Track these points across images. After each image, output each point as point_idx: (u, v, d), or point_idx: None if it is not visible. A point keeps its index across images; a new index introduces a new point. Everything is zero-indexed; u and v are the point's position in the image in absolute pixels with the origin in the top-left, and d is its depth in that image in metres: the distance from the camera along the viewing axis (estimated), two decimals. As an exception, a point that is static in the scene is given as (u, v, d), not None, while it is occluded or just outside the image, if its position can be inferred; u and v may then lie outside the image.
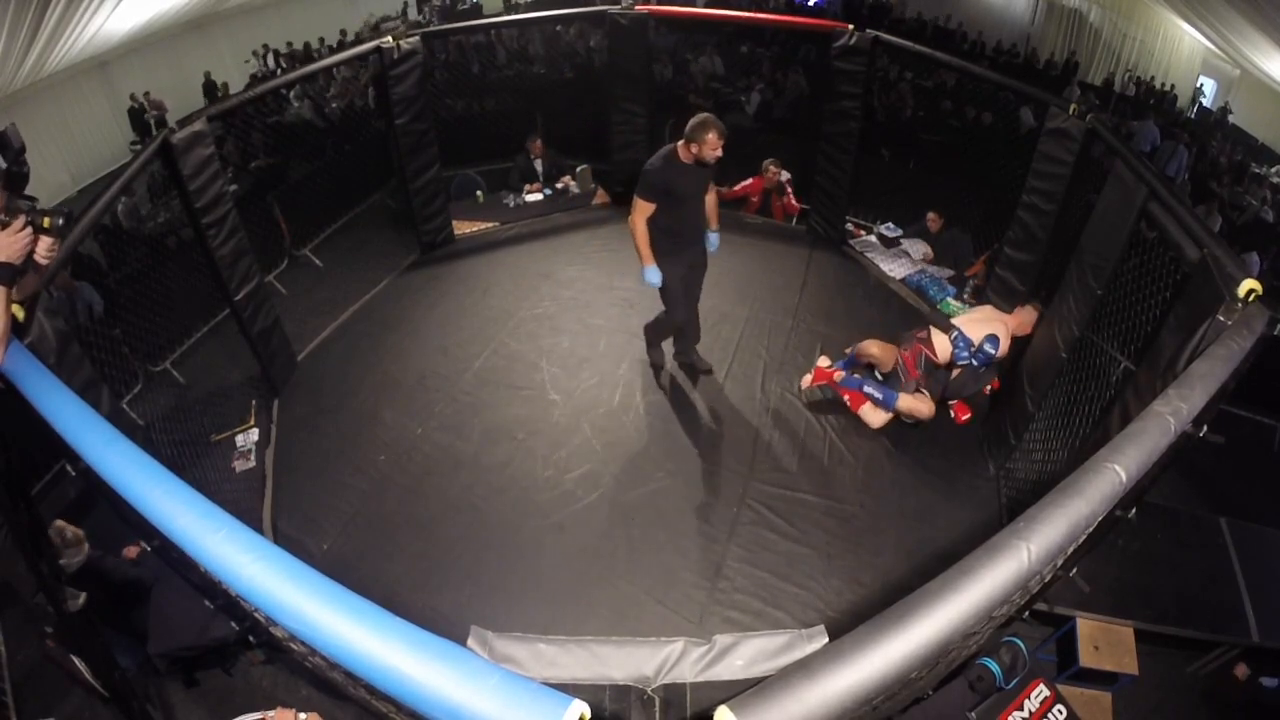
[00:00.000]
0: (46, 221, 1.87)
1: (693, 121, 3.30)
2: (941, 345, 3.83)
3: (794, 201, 6.13)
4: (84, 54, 9.07)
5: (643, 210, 3.49)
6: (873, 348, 3.98)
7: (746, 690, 1.00)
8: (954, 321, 3.87)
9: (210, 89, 10.85)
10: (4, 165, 4.10)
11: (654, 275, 3.64)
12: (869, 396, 3.95)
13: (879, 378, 4.01)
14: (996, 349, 3.75)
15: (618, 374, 4.41)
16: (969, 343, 3.77)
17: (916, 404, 3.83)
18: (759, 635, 3.04)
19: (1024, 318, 3.85)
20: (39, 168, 8.63)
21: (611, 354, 4.57)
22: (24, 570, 2.23)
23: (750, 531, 3.47)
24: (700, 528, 3.49)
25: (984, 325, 3.81)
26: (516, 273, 5.41)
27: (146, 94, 10.25)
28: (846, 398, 4.03)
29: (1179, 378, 1.67)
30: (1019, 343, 3.90)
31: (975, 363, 3.80)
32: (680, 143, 3.38)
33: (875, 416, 3.95)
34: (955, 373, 3.91)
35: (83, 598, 2.23)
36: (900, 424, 4.01)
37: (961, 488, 3.73)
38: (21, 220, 1.83)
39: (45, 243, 1.87)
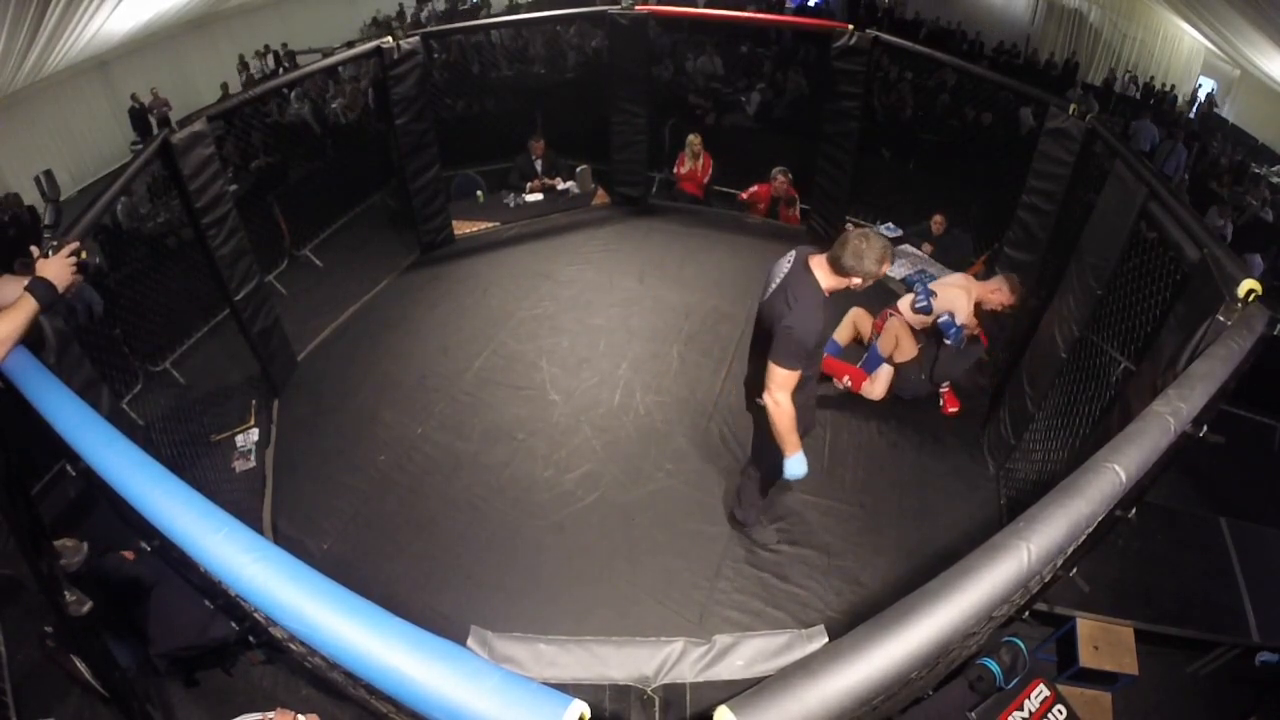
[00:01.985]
0: (84, 254, 1.92)
1: (859, 245, 2.38)
2: (905, 303, 3.97)
3: (797, 215, 6.14)
4: (84, 54, 9.06)
5: (792, 383, 2.53)
6: (856, 314, 4.22)
7: (746, 690, 1.00)
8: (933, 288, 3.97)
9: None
10: (49, 204, 4.24)
11: (802, 466, 2.70)
12: (863, 369, 4.09)
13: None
14: (954, 319, 3.79)
15: (618, 374, 4.41)
16: (928, 292, 3.84)
17: (896, 335, 3.94)
18: (759, 635, 3.05)
19: (995, 285, 3.87)
20: (40, 168, 8.64)
21: (611, 354, 4.57)
22: (24, 571, 2.23)
23: (750, 531, 3.47)
24: (700, 528, 3.49)
25: (948, 289, 3.88)
26: (516, 273, 5.41)
27: (154, 91, 10.26)
28: (846, 378, 4.09)
29: (1179, 378, 1.67)
30: (1006, 329, 4.00)
31: (950, 344, 3.87)
32: (826, 269, 2.47)
33: (876, 386, 4.01)
34: (940, 351, 4.03)
35: (89, 605, 2.23)
36: (900, 423, 4.01)
37: (961, 488, 3.73)
38: (70, 248, 1.88)
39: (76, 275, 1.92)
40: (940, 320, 3.80)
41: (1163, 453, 1.50)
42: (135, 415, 3.74)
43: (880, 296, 5.14)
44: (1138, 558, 3.32)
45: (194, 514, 1.29)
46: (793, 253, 2.61)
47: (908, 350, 3.98)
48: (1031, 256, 3.98)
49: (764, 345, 2.58)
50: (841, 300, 3.05)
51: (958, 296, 3.83)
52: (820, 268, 2.49)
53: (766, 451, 2.90)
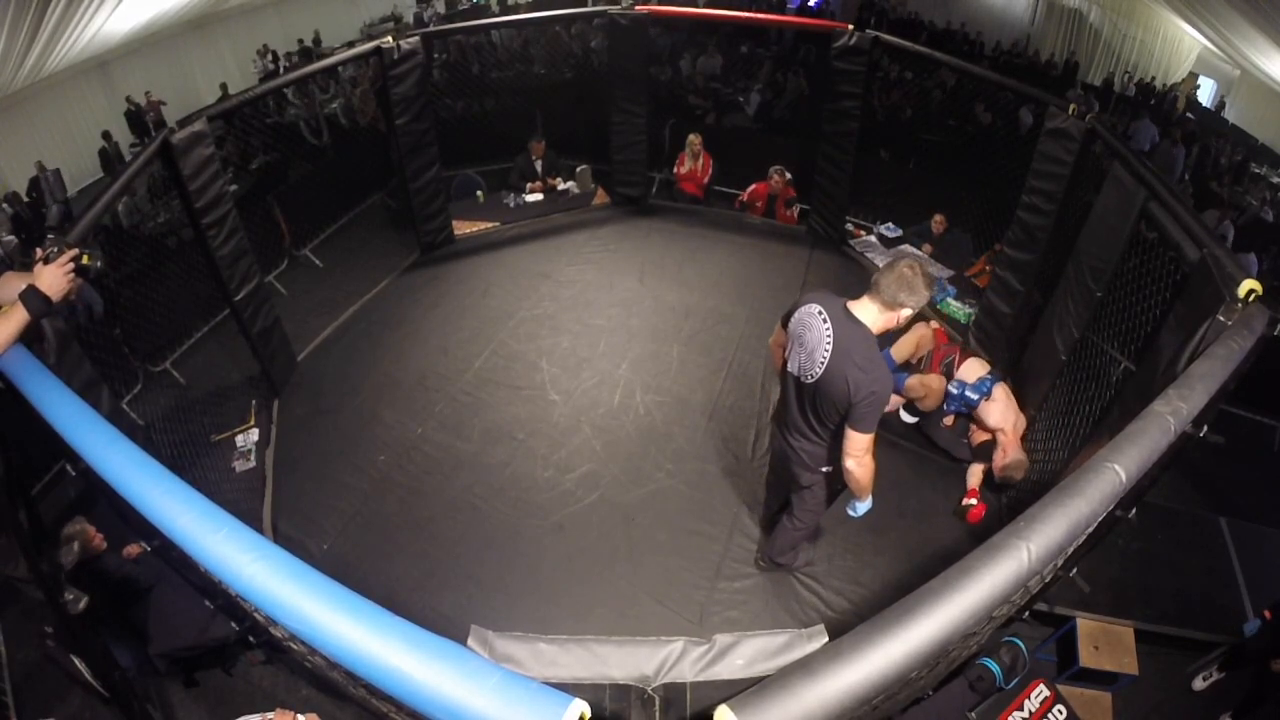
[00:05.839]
0: (86, 259, 1.89)
1: (907, 274, 2.21)
2: (967, 370, 3.75)
3: (795, 216, 6.14)
4: (84, 54, 9.06)
5: (873, 441, 2.40)
6: (922, 334, 3.86)
7: (746, 689, 1.00)
8: (997, 388, 3.66)
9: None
10: (55, 204, 4.22)
11: (869, 505, 2.71)
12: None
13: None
14: (967, 393, 3.63)
15: (618, 374, 4.41)
16: (965, 393, 3.65)
17: (928, 379, 3.77)
18: (759, 635, 3.05)
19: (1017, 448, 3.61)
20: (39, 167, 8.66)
21: (611, 354, 4.57)
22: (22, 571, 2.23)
23: (750, 532, 3.47)
24: (700, 528, 3.49)
25: (1000, 408, 3.64)
26: (516, 273, 5.41)
27: (147, 94, 10.27)
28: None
29: (1179, 378, 1.67)
30: (1006, 329, 3.87)
31: (955, 394, 3.73)
32: (874, 309, 2.28)
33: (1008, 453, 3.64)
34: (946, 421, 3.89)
35: (85, 601, 2.24)
36: (900, 424, 4.01)
37: (962, 488, 3.72)
38: (69, 255, 1.84)
39: (74, 282, 1.89)
40: (954, 384, 3.69)
41: (1163, 453, 1.50)
42: (135, 415, 3.74)
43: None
44: (1138, 558, 3.32)
45: (194, 514, 1.29)
46: (814, 306, 2.36)
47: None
48: (1031, 256, 3.99)
49: (827, 412, 2.42)
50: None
51: (1002, 407, 3.63)
52: (864, 310, 2.29)
53: (809, 503, 2.86)
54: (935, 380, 3.78)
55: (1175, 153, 8.42)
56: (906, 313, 2.27)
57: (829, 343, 2.29)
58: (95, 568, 3.05)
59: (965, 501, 3.60)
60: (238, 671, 3.20)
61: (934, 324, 4.06)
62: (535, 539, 3.46)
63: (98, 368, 2.46)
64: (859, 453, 2.37)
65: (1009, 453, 3.55)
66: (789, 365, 2.50)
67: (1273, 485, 4.20)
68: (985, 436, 3.72)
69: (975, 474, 3.69)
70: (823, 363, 2.31)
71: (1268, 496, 4.03)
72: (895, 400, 3.89)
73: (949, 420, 3.86)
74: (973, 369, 3.77)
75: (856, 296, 2.33)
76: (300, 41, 12.28)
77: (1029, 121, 7.22)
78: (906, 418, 4.02)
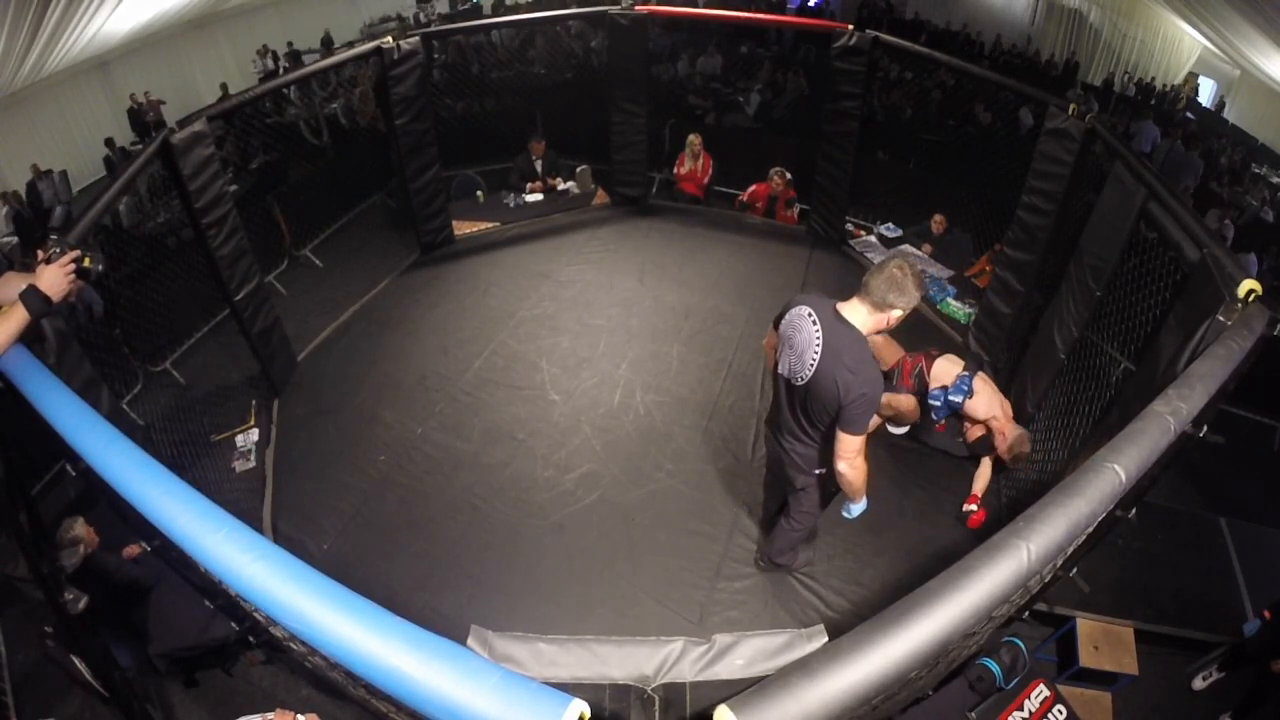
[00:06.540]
0: (88, 261, 1.89)
1: (897, 274, 2.18)
2: (941, 372, 3.68)
3: (795, 216, 6.14)
4: (84, 54, 9.07)
5: (865, 442, 2.42)
6: (877, 338, 3.84)
7: (746, 689, 1.01)
8: (975, 381, 3.57)
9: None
10: (56, 205, 4.21)
11: (864, 505, 2.70)
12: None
13: None
14: (948, 398, 3.56)
15: (618, 374, 4.41)
16: (948, 399, 3.58)
17: (897, 399, 3.75)
18: (759, 635, 3.05)
19: (1014, 429, 3.55)
20: (39, 168, 8.65)
21: (611, 354, 4.57)
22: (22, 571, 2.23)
23: (750, 532, 3.47)
24: (700, 528, 3.49)
25: (986, 399, 3.56)
26: (516, 273, 5.41)
27: (146, 94, 10.29)
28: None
29: (1179, 378, 1.67)
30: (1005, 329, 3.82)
31: (938, 404, 3.65)
32: (863, 311, 2.26)
33: (1007, 439, 3.59)
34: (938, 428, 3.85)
35: (84, 601, 2.23)
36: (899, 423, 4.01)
37: (961, 487, 3.72)
38: (70, 255, 1.84)
39: (75, 283, 1.89)
40: (933, 393, 3.61)
41: (1163, 453, 1.50)
42: (135, 415, 3.74)
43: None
44: (1138, 558, 3.32)
45: (194, 514, 1.29)
46: (804, 308, 2.34)
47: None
48: (1031, 256, 3.99)
49: (817, 415, 2.41)
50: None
51: (987, 398, 3.55)
52: (854, 312, 2.27)
53: (805, 504, 2.86)
54: (906, 401, 3.75)
55: (1192, 157, 8.33)
56: (897, 314, 2.25)
57: (818, 344, 2.28)
58: (96, 568, 3.05)
59: (966, 507, 3.59)
60: (238, 671, 3.20)
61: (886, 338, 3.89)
62: (535, 539, 3.46)
63: (98, 368, 2.46)
64: (850, 455, 2.37)
65: (1007, 434, 3.52)
66: (780, 367, 2.50)
67: (1273, 485, 4.20)
68: (980, 431, 3.70)
69: (981, 478, 3.66)
70: (812, 364, 2.30)
71: (1268, 496, 4.03)
72: (874, 421, 3.85)
73: (940, 425, 3.85)
74: (946, 370, 3.70)
75: (848, 298, 2.32)
76: (290, 44, 12.24)
77: (1029, 121, 7.23)
78: (894, 430, 4.01)
